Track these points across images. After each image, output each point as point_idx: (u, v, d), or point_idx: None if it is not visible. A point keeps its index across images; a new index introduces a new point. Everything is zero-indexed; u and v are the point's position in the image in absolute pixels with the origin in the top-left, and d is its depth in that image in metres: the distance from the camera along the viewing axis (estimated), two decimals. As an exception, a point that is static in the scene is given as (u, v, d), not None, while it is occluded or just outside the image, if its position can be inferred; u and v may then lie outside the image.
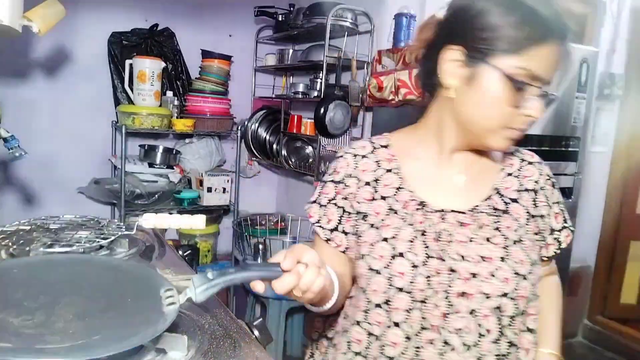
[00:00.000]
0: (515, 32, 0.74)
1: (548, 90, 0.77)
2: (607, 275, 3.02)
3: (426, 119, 0.89)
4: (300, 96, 2.64)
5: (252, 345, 0.78)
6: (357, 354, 0.85)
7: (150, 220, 1.10)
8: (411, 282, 0.79)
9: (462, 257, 0.80)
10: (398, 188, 0.87)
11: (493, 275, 0.79)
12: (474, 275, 0.79)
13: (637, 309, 3.01)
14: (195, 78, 2.76)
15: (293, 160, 2.78)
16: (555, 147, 1.96)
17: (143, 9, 2.74)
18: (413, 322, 0.80)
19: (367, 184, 0.88)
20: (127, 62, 2.51)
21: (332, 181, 0.91)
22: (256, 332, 0.85)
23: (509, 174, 0.90)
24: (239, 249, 2.66)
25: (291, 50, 2.78)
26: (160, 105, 2.56)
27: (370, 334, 0.84)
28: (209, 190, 2.68)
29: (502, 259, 0.80)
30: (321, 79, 2.41)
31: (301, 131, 2.54)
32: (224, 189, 2.73)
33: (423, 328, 0.80)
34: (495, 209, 0.85)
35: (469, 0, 0.78)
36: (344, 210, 0.88)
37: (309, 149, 2.80)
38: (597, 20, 2.90)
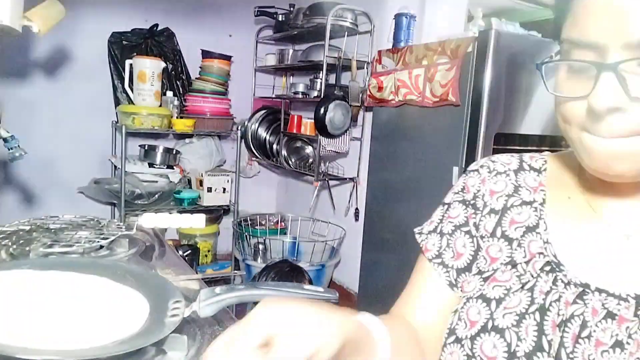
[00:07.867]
0: None
1: (604, 59, 0.45)
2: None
3: None
4: (300, 96, 2.64)
5: (252, 345, 0.78)
6: None
7: (150, 220, 1.10)
8: None
9: None
10: (529, 229, 0.59)
11: None
12: None
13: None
14: (195, 78, 2.76)
15: (293, 160, 2.78)
16: (555, 147, 1.95)
17: (143, 9, 2.74)
18: None
19: (494, 212, 0.62)
20: (127, 62, 2.51)
21: (461, 201, 0.65)
22: (256, 332, 0.84)
23: None
24: (239, 249, 2.66)
25: (291, 50, 2.78)
26: (160, 105, 2.56)
27: None
28: (209, 190, 2.68)
29: None
30: (321, 79, 2.41)
31: (301, 131, 2.54)
32: (224, 189, 2.73)
33: None
34: None
35: None
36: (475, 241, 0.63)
37: (309, 149, 2.80)
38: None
